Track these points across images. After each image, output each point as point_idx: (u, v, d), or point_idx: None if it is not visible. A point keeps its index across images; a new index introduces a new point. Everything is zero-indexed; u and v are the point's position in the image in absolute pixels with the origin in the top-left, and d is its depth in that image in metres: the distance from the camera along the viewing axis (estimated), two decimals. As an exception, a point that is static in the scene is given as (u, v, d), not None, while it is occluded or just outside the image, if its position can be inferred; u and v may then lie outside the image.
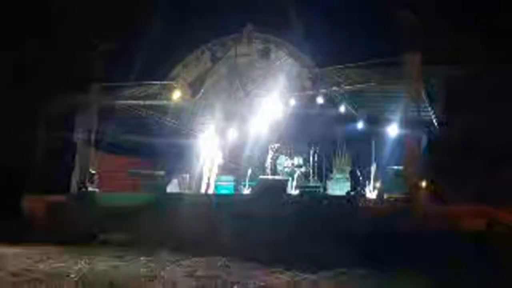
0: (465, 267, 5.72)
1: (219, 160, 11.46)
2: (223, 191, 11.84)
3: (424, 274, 5.38)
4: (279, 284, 5.09)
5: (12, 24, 11.57)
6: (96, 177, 10.35)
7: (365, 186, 11.41)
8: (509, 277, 5.33)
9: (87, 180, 10.07)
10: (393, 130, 11.49)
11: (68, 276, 5.19)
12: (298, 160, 11.94)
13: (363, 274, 5.64)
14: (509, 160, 8.72)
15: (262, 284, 5.02)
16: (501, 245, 6.35)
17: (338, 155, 12.89)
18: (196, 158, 11.71)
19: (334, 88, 9.59)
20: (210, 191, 11.44)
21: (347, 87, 9.48)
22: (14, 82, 11.01)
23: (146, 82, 10.74)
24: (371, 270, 5.76)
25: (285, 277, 5.47)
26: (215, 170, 11.49)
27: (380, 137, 12.11)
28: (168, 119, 12.96)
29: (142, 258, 6.54)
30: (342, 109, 11.20)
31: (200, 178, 11.52)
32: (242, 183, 12.16)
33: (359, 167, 11.57)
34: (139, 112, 11.87)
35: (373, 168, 11.54)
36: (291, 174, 11.71)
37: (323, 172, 12.47)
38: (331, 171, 12.55)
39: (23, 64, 11.07)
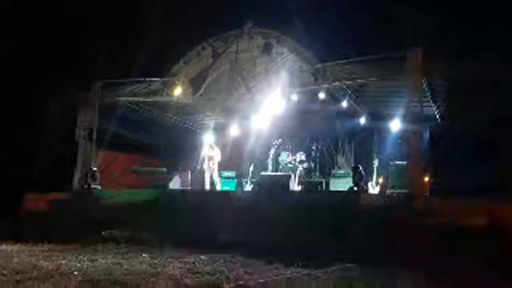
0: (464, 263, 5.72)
1: (218, 157, 11.41)
2: (226, 188, 11.83)
3: (422, 271, 5.37)
4: (279, 281, 5.09)
5: (13, 23, 11.57)
6: (98, 174, 10.36)
7: (367, 181, 11.38)
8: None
9: (89, 177, 10.07)
10: (395, 125, 11.48)
11: (71, 273, 5.19)
12: (300, 156, 11.90)
13: (364, 271, 5.62)
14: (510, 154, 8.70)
15: (262, 280, 5.02)
16: (501, 240, 6.33)
17: (341, 150, 12.87)
18: (197, 155, 11.68)
19: (336, 83, 9.55)
20: (217, 188, 11.43)
21: (349, 82, 9.44)
22: (15, 81, 11.01)
23: (148, 79, 10.73)
24: (372, 267, 5.75)
25: (287, 273, 5.46)
26: (216, 167, 11.44)
27: (382, 132, 12.10)
28: (170, 115, 12.97)
29: (144, 255, 6.55)
30: (344, 104, 11.16)
31: (203, 175, 11.49)
32: (244, 179, 12.14)
33: (361, 162, 11.54)
34: (141, 109, 11.88)
35: (375, 164, 11.52)
36: (293, 170, 11.67)
37: (325, 168, 12.44)
38: (334, 167, 12.53)
39: (24, 63, 11.07)
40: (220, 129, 13.35)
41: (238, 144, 12.63)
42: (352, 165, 11.79)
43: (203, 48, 10.37)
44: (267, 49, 9.77)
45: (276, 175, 10.99)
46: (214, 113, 13.17)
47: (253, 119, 11.85)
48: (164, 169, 11.53)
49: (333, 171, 12.12)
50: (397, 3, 8.26)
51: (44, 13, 11.69)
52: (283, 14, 9.74)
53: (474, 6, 8.21)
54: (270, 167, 11.92)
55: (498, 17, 8.03)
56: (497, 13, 8.07)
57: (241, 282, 4.90)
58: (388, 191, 10.40)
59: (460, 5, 8.33)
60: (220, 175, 11.92)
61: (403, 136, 9.51)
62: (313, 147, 12.20)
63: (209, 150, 11.39)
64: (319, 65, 9.33)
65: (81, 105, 11.00)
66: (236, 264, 6.00)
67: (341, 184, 11.37)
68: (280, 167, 11.93)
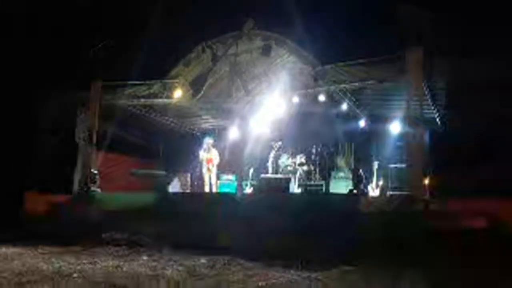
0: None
1: (217, 160, 11.40)
2: (225, 190, 11.83)
3: (423, 272, 5.37)
4: (279, 283, 5.08)
5: (13, 23, 11.56)
6: (98, 177, 10.35)
7: (368, 184, 11.39)
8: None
9: (89, 180, 10.06)
10: (395, 128, 11.50)
11: (71, 275, 5.18)
12: (300, 159, 11.91)
13: (364, 272, 5.61)
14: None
15: (262, 283, 5.01)
16: (502, 243, 6.33)
17: (341, 153, 12.88)
18: (196, 158, 11.67)
19: (336, 85, 9.55)
20: (217, 190, 11.42)
21: (349, 84, 9.44)
22: (15, 81, 11.00)
23: (147, 81, 10.74)
24: (372, 269, 5.74)
25: (287, 275, 5.45)
26: (215, 170, 11.43)
27: (382, 135, 12.11)
28: (170, 118, 12.97)
29: (144, 258, 6.54)
30: (344, 106, 11.19)
31: (202, 178, 11.49)
32: (244, 182, 12.14)
33: (361, 165, 11.56)
34: (141, 111, 11.88)
35: (375, 166, 11.53)
36: (293, 172, 11.68)
37: (325, 171, 12.44)
38: (334, 169, 12.53)
39: (24, 62, 11.06)
40: (220, 132, 13.36)
41: (237, 147, 12.62)
42: (352, 167, 11.81)
43: (203, 51, 10.37)
44: (266, 51, 9.76)
45: (276, 178, 11.00)
46: (213, 116, 13.18)
47: (253, 122, 11.86)
48: (164, 172, 11.52)
49: (333, 174, 12.13)
50: (398, 3, 8.24)
51: (44, 13, 11.68)
52: (283, 15, 9.72)
53: (475, 6, 8.20)
54: (270, 169, 11.92)
55: (500, 17, 8.02)
56: (498, 12, 8.05)
57: (241, 285, 4.89)
58: (388, 194, 10.41)
59: (461, 5, 8.32)
60: (219, 178, 11.92)
61: (403, 138, 9.51)
62: (313, 150, 12.20)
63: (207, 152, 11.38)
64: (319, 67, 9.33)
65: (81, 106, 11.00)
66: (236, 267, 5.99)
67: (341, 186, 11.40)
68: (280, 169, 11.94)
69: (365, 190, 11.03)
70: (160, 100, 10.84)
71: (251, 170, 12.10)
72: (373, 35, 9.14)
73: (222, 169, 12.09)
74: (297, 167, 11.78)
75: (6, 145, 10.72)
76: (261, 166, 12.25)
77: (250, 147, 12.15)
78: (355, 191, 10.45)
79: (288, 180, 10.59)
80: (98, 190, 10.22)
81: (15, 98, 11.09)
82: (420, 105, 8.20)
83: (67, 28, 11.62)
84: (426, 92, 8.96)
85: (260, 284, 4.97)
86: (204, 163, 11.29)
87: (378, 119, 11.96)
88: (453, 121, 10.26)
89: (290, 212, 7.83)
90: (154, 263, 6.13)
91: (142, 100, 10.94)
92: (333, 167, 12.63)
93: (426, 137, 10.17)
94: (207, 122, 13.91)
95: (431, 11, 8.13)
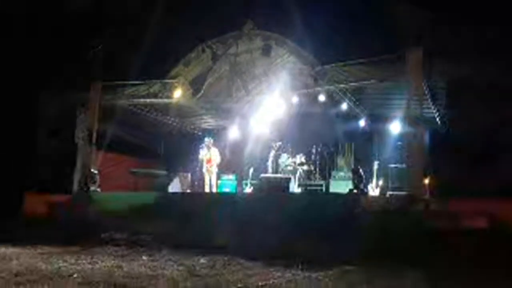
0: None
1: (217, 159, 11.37)
2: (225, 190, 11.82)
3: (423, 272, 5.37)
4: (279, 283, 5.07)
5: (13, 23, 11.56)
6: (97, 176, 10.34)
7: (368, 184, 11.37)
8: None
9: (88, 179, 10.05)
10: (395, 128, 11.49)
11: (70, 276, 5.17)
12: (300, 158, 11.90)
13: (364, 273, 5.60)
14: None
15: (262, 283, 5.00)
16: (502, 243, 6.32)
17: (341, 153, 12.87)
18: (196, 157, 11.65)
19: (336, 85, 9.54)
20: (217, 190, 11.40)
21: (349, 84, 9.44)
22: (15, 81, 11.00)
23: (147, 81, 10.73)
24: (372, 269, 5.73)
25: (287, 275, 5.44)
26: (215, 170, 11.40)
27: (382, 135, 12.10)
28: (169, 117, 12.97)
29: (144, 258, 6.53)
30: (344, 106, 11.18)
31: (202, 177, 11.47)
32: (244, 181, 12.13)
33: (361, 165, 11.53)
34: (141, 111, 11.87)
35: (375, 166, 11.51)
36: (293, 172, 11.66)
37: (325, 170, 12.43)
38: (334, 169, 12.52)
39: (24, 63, 11.06)
40: (219, 131, 13.35)
41: (238, 146, 12.62)
42: (352, 167, 11.79)
43: (203, 50, 10.37)
44: (266, 51, 9.75)
45: (276, 178, 10.98)
46: (213, 116, 13.17)
47: (253, 121, 11.85)
48: (164, 172, 11.50)
49: (333, 173, 12.11)
50: (398, 3, 8.26)
51: (44, 13, 11.68)
52: (283, 15, 9.72)
53: (475, 6, 8.19)
54: (270, 169, 11.90)
55: (500, 17, 8.01)
56: (498, 12, 8.04)
57: (241, 285, 4.88)
58: (388, 194, 10.40)
59: (461, 5, 8.31)
60: (219, 178, 11.90)
61: (403, 138, 9.50)
62: (313, 150, 12.18)
63: (207, 152, 11.36)
64: (319, 67, 9.32)
65: (80, 106, 11.00)
66: (236, 266, 5.98)
67: (341, 186, 11.35)
68: (280, 169, 11.91)
69: (365, 190, 11.01)
70: (160, 100, 10.83)
71: (251, 170, 12.08)
72: (373, 35, 9.13)
73: (222, 169, 12.06)
74: (297, 167, 11.76)
75: (6, 146, 10.72)
76: (261, 166, 12.23)
77: (250, 147, 12.14)
78: (355, 191, 10.42)
79: (288, 180, 10.57)
80: (98, 189, 10.21)
81: (15, 98, 11.08)
82: (420, 105, 8.20)
83: (67, 28, 11.61)
84: (426, 92, 8.96)
85: (260, 283, 4.96)
86: (204, 163, 11.27)
87: (378, 119, 11.95)
88: (453, 120, 10.26)
89: (290, 211, 7.82)
90: (154, 263, 6.11)
91: (142, 100, 10.94)
92: (333, 167, 12.62)
93: (427, 137, 10.19)
94: (207, 122, 13.91)
95: (431, 11, 8.12)
